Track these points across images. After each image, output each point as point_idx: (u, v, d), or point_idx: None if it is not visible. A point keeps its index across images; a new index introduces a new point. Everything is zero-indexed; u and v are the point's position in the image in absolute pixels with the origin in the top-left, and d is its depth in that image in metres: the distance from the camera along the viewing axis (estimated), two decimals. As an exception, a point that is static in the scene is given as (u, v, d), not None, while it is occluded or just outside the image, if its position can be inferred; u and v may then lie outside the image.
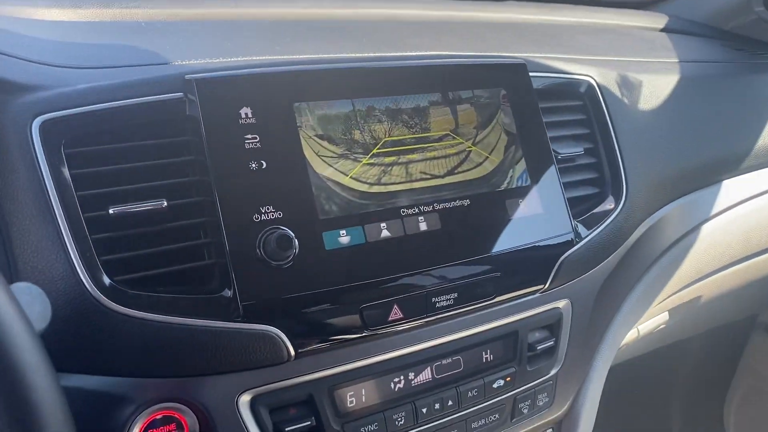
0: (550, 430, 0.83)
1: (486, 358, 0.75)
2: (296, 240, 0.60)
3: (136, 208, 0.57)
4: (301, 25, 0.95)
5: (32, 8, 0.80)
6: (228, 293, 0.58)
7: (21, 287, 0.43)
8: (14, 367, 0.33)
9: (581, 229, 0.79)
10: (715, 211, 1.02)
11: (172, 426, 0.59)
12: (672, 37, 1.34)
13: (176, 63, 0.67)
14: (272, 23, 0.95)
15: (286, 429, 0.62)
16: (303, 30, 0.92)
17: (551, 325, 0.80)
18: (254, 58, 0.70)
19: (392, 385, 0.69)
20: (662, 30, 1.42)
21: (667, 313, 1.11)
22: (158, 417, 0.58)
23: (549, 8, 1.39)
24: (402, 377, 0.69)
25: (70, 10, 0.80)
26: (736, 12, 1.42)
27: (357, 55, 0.76)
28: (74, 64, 0.63)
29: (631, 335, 1.03)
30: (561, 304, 0.80)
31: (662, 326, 1.13)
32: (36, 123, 0.56)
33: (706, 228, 1.01)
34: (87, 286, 0.54)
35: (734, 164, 1.06)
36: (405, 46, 0.86)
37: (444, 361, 0.72)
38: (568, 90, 0.86)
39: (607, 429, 0.96)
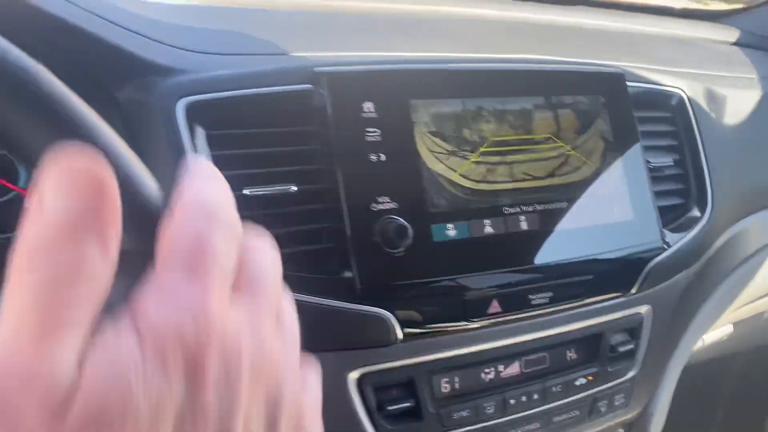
0: (621, 430, 0.86)
1: (570, 357, 0.77)
2: (411, 230, 0.63)
3: (268, 190, 0.61)
4: (407, 21, 0.99)
5: None
6: (347, 275, 0.61)
7: None
8: None
9: (669, 237, 0.81)
10: (792, 227, 1.03)
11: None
12: (746, 52, 1.34)
13: (300, 54, 0.70)
14: (377, 16, 0.98)
15: (388, 408, 0.65)
16: (411, 26, 0.95)
17: (632, 328, 0.82)
18: (372, 53, 0.73)
19: (483, 376, 0.72)
20: (734, 44, 1.43)
21: (731, 325, 1.12)
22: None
23: (623, 16, 1.40)
24: (493, 369, 0.72)
25: None
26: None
27: (467, 55, 0.79)
28: (208, 50, 0.67)
29: (697, 345, 1.04)
30: (643, 309, 0.82)
31: (726, 338, 1.14)
32: (181, 104, 0.59)
33: (781, 243, 1.02)
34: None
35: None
36: (506, 48, 0.89)
37: (532, 357, 0.75)
38: (659, 101, 0.88)
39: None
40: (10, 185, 0.71)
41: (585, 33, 1.11)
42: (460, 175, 0.68)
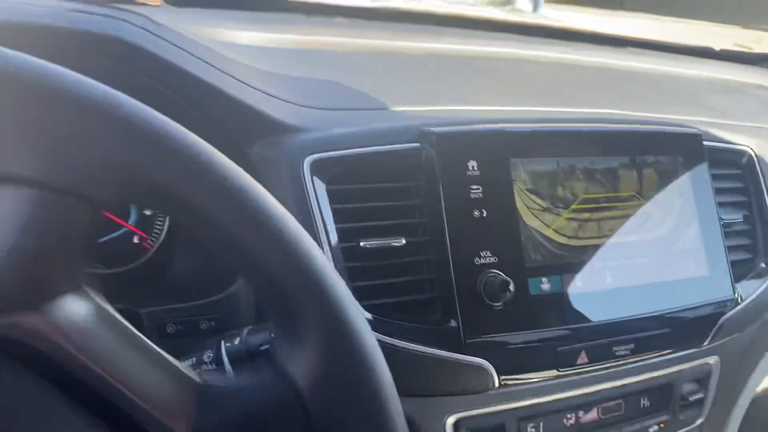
0: (688, 476, 0.89)
1: (644, 404, 0.81)
2: (512, 284, 0.67)
3: (381, 243, 0.65)
4: (470, 64, 1.04)
5: (232, 31, 0.89)
6: (453, 325, 0.65)
7: None
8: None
9: (740, 291, 0.84)
10: None
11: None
12: (796, 100, 1.37)
13: (401, 109, 0.75)
14: (453, 61, 1.03)
15: (482, 451, 0.69)
16: (481, 75, 0.99)
17: (701, 379, 0.85)
18: (473, 107, 0.78)
19: (565, 421, 0.75)
20: (779, 89, 1.46)
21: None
22: None
23: (668, 59, 1.44)
24: (573, 415, 0.76)
25: (279, 36, 0.89)
26: None
27: (558, 110, 0.84)
28: (326, 106, 0.71)
29: (760, 388, 1.07)
30: (712, 360, 0.85)
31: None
32: (307, 161, 0.64)
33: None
34: (343, 309, 0.61)
35: None
36: (576, 101, 0.93)
37: (609, 404, 0.78)
38: (731, 159, 0.92)
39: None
40: (121, 221, 0.75)
41: (637, 78, 1.16)
42: (554, 230, 0.72)
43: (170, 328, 0.70)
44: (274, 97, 0.68)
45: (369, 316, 0.63)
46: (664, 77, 1.31)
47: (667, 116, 0.96)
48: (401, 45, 1.04)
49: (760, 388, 1.07)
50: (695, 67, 1.44)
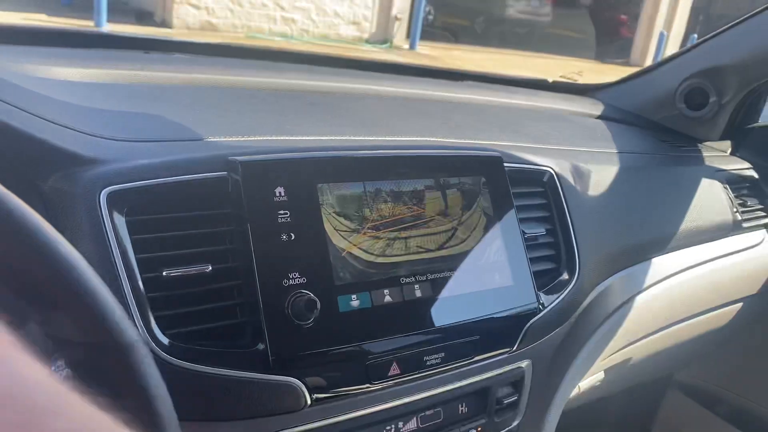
0: (510, 475, 0.95)
1: (461, 410, 0.86)
2: (319, 303, 0.70)
3: (185, 271, 0.66)
4: (297, 99, 1.08)
5: (53, 67, 0.89)
6: (261, 347, 0.67)
7: None
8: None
9: (543, 298, 0.92)
10: (646, 284, 1.19)
11: (201, 467, 0.67)
12: (609, 125, 1.53)
13: (211, 139, 0.77)
14: (272, 95, 1.07)
15: (298, 470, 0.71)
16: (302, 105, 1.04)
17: (515, 382, 0.92)
18: (277, 137, 0.81)
19: (384, 433, 0.79)
20: (599, 117, 1.63)
21: (603, 372, 1.26)
22: (190, 457, 0.66)
23: (502, 91, 1.57)
24: (393, 426, 0.80)
25: (95, 71, 0.89)
26: (661, 106, 1.64)
27: (362, 138, 0.88)
28: (126, 137, 0.72)
29: (573, 391, 1.16)
30: (524, 363, 0.92)
31: (598, 383, 1.27)
32: (104, 193, 0.64)
33: (639, 299, 1.17)
34: (144, 339, 0.62)
35: (661, 244, 1.24)
36: (395, 130, 0.99)
37: (427, 413, 0.83)
38: (532, 178, 1.01)
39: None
40: None
41: (468, 110, 1.24)
42: (361, 249, 0.76)
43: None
44: (70, 129, 0.68)
45: (182, 345, 0.64)
46: (492, 107, 1.42)
47: (480, 142, 1.05)
48: (229, 79, 1.07)
49: (576, 389, 1.17)
50: (526, 98, 1.57)
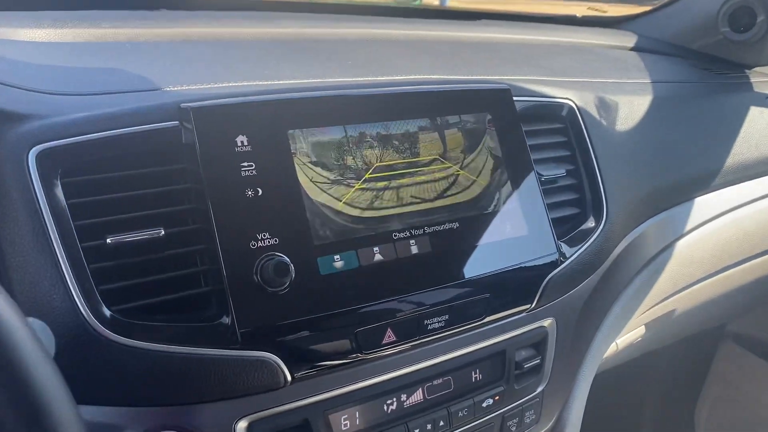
0: (536, 446, 0.85)
1: (475, 378, 0.76)
2: (293, 266, 0.60)
3: (133, 237, 0.57)
4: (286, 46, 0.97)
5: (12, 29, 0.80)
6: (226, 320, 0.58)
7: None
8: (39, 400, 0.33)
9: (565, 249, 0.81)
10: (689, 227, 1.06)
11: (171, 454, 0.59)
12: (642, 57, 1.38)
13: (168, 89, 0.67)
14: (257, 43, 0.96)
15: (284, 454, 0.63)
16: (289, 51, 0.93)
17: (537, 343, 0.82)
18: (246, 83, 0.71)
19: (385, 407, 0.70)
20: (632, 49, 1.47)
21: (644, 326, 1.14)
22: (157, 445, 0.58)
23: (523, 27, 1.43)
24: (394, 399, 0.71)
25: (52, 30, 0.80)
26: (702, 32, 1.47)
27: (347, 80, 0.77)
28: (66, 91, 0.63)
29: (610, 349, 1.05)
30: (546, 322, 0.82)
31: (639, 339, 1.16)
32: (32, 153, 0.56)
33: (680, 244, 1.04)
34: (85, 316, 0.54)
35: (705, 182, 1.10)
36: (390, 69, 0.88)
37: (435, 382, 0.73)
38: (550, 113, 0.89)
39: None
40: None
41: (470, 47, 1.12)
42: (345, 203, 0.66)
43: None
44: (-3, 83, 0.60)
45: (132, 322, 0.56)
46: (509, 44, 1.28)
47: (488, 77, 0.92)
48: (215, 31, 0.97)
49: (614, 346, 1.06)
50: (549, 34, 1.43)
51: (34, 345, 0.35)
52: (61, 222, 0.55)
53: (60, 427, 0.34)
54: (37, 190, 0.55)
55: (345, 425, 0.67)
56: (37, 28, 0.80)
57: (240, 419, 0.61)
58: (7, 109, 0.57)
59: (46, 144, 0.56)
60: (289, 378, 0.61)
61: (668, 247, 1.03)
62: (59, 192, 0.56)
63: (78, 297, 0.54)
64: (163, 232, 0.58)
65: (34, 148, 0.56)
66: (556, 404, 0.86)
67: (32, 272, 0.54)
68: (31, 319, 0.44)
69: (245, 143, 0.62)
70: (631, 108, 1.03)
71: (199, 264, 0.60)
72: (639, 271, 0.97)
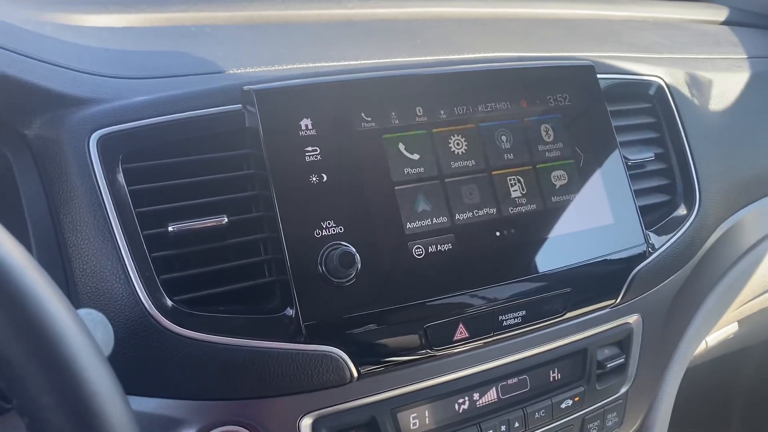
0: (619, 450, 0.79)
1: (553, 377, 0.71)
2: (358, 256, 0.57)
3: (196, 225, 0.55)
4: (352, 27, 0.93)
5: (78, 14, 0.79)
6: (290, 312, 0.55)
7: (83, 314, 0.41)
8: (88, 397, 0.31)
9: (654, 239, 0.74)
10: (790, 215, 0.96)
11: (234, 449, 0.57)
12: (735, 31, 1.27)
13: (231, 72, 0.65)
14: (322, 25, 0.93)
15: (349, 453, 0.60)
16: (354, 32, 0.89)
17: (621, 341, 0.76)
18: (311, 64, 0.67)
19: (456, 407, 0.66)
20: (723, 23, 1.36)
21: (736, 323, 1.05)
22: (219, 440, 0.57)
23: (604, 2, 1.34)
24: (466, 398, 0.66)
25: (117, 16, 0.79)
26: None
27: (414, 59, 0.73)
28: (128, 75, 0.61)
29: (699, 347, 0.97)
30: (632, 319, 0.75)
31: (732, 336, 1.07)
32: (94, 138, 0.54)
33: (781, 234, 0.95)
34: (147, 306, 0.52)
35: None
36: (461, 48, 0.83)
37: (510, 381, 0.69)
38: (637, 92, 0.82)
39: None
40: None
41: (546, 24, 1.05)
42: (417, 191, 0.62)
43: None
44: (61, 67, 0.58)
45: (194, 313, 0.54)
46: (589, 20, 1.20)
47: (568, 54, 0.86)
48: (284, 14, 0.94)
49: (703, 344, 0.98)
50: (635, 9, 1.33)
51: (85, 341, 0.33)
52: (123, 209, 0.53)
53: (112, 430, 0.31)
54: (98, 176, 0.53)
55: (414, 424, 0.63)
56: (103, 14, 0.79)
57: (304, 416, 0.58)
58: (69, 93, 0.56)
59: (107, 128, 0.55)
60: (355, 374, 0.57)
61: (767, 237, 0.94)
62: (121, 178, 0.54)
63: (139, 286, 0.52)
64: (226, 220, 0.56)
65: (95, 133, 0.54)
66: (641, 406, 0.79)
67: (93, 261, 0.53)
68: (86, 311, 0.42)
69: (309, 127, 0.59)
70: (726, 85, 0.94)
71: (263, 253, 0.57)
72: (734, 263, 0.89)
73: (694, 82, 0.89)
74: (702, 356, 1.04)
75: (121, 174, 0.54)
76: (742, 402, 1.53)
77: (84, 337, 0.33)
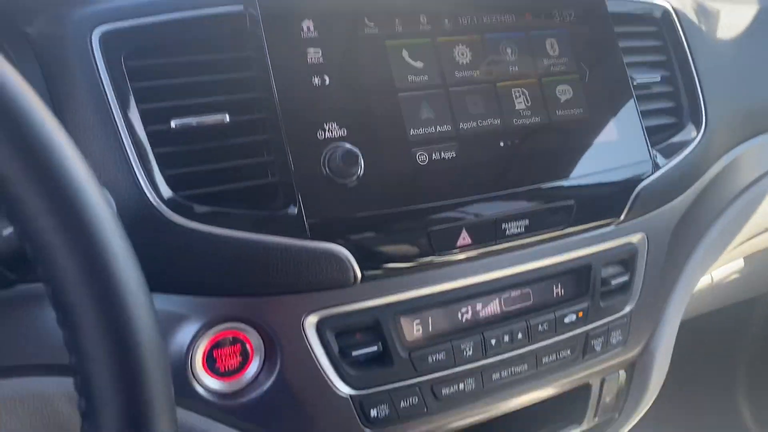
0: (623, 372, 0.79)
1: (557, 292, 0.71)
2: (362, 157, 0.57)
3: (197, 120, 0.55)
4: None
5: None
6: (293, 210, 0.56)
7: None
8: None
9: (659, 158, 0.74)
10: (799, 149, 0.96)
11: (237, 347, 0.58)
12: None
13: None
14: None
15: (353, 353, 0.60)
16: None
17: (626, 260, 0.75)
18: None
19: (459, 315, 0.66)
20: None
21: (742, 260, 1.05)
22: (222, 338, 0.57)
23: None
24: (469, 307, 0.67)
25: None
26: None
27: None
28: None
29: (705, 281, 0.97)
30: (636, 238, 0.75)
31: (737, 275, 1.07)
32: (96, 34, 0.54)
33: (788, 168, 0.94)
34: (150, 198, 0.52)
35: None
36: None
37: (513, 293, 0.69)
38: (642, 15, 0.81)
39: (672, 385, 0.92)
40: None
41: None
42: (421, 98, 0.62)
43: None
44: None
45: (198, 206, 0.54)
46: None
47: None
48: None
49: (708, 279, 0.98)
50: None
51: (86, 170, 0.33)
52: (125, 105, 0.54)
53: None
54: (101, 72, 0.53)
55: (417, 329, 0.64)
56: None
57: (309, 314, 0.58)
58: None
59: (110, 24, 0.55)
60: (359, 275, 0.58)
61: (773, 171, 0.93)
62: (123, 74, 0.54)
63: (143, 179, 0.52)
64: (228, 119, 0.56)
65: (97, 29, 0.54)
66: (645, 329, 0.79)
67: (97, 156, 0.53)
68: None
69: (311, 29, 0.59)
70: (735, 16, 0.93)
71: (266, 155, 0.57)
72: (740, 193, 0.89)
73: (702, 11, 0.88)
74: (708, 292, 1.03)
75: (124, 70, 0.54)
76: (749, 354, 1.53)
77: (86, 166, 0.33)
